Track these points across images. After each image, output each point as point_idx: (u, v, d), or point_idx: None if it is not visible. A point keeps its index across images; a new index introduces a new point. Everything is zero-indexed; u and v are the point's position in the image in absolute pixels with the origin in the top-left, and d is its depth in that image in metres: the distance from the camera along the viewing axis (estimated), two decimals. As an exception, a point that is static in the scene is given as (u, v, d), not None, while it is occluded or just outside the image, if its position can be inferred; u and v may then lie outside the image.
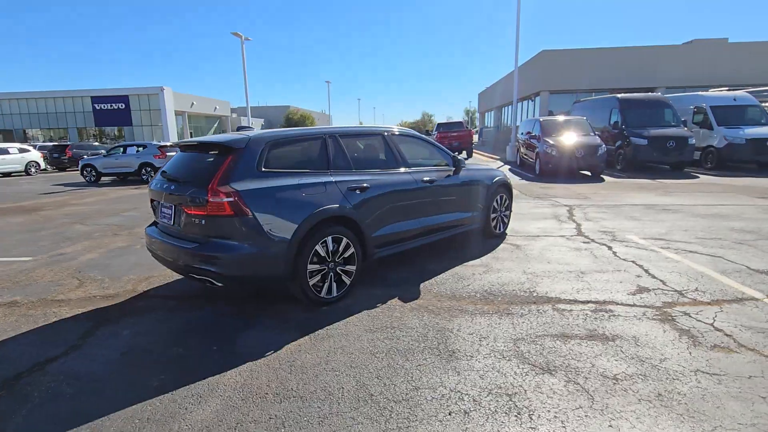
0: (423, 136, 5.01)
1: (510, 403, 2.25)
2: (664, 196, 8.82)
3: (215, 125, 49.39)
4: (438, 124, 24.02)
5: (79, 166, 16.11)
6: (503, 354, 2.75)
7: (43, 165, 21.28)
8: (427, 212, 4.50)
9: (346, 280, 3.72)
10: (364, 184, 3.85)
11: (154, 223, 3.89)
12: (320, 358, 2.78)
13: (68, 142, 26.69)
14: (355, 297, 3.78)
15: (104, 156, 16.21)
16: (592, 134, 12.96)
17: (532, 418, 2.12)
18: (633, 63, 23.61)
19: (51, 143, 27.11)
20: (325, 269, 3.54)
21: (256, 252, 3.17)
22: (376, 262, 4.22)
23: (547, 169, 12.62)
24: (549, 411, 2.17)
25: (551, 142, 12.50)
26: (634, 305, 3.44)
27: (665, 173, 12.87)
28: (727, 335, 2.91)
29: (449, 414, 2.17)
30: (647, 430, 2.01)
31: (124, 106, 38.17)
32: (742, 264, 4.37)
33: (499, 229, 5.76)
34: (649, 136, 12.74)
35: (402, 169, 4.31)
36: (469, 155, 22.22)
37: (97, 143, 26.97)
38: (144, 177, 15.28)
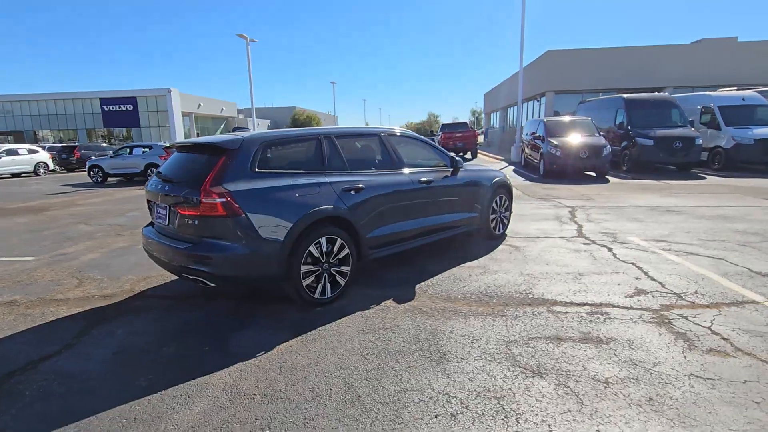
0: (420, 136, 4.99)
1: (498, 406, 2.22)
2: (669, 198, 8.72)
3: (222, 126, 49.74)
4: (442, 124, 23.97)
5: (87, 166, 16.30)
6: (494, 356, 2.72)
7: (51, 166, 21.55)
8: (425, 213, 4.48)
9: (341, 281, 3.72)
10: (360, 185, 3.84)
11: (151, 224, 3.92)
12: (310, 359, 2.77)
13: (77, 143, 27.02)
14: (350, 298, 3.77)
15: (111, 157, 16.39)
16: (597, 135, 12.84)
17: (518, 422, 2.09)
18: (640, 63, 23.38)
19: (60, 144, 27.48)
20: (319, 270, 3.54)
21: (249, 252, 3.17)
22: (373, 262, 4.21)
23: (551, 169, 12.53)
24: (536, 414, 2.14)
25: (555, 142, 12.40)
26: (630, 308, 3.40)
27: (671, 174, 12.72)
28: (724, 339, 2.86)
29: (435, 417, 2.15)
30: (636, 435, 1.98)
31: (132, 107, 38.60)
32: (744, 266, 4.29)
33: (499, 230, 5.72)
34: (655, 136, 12.59)
35: (398, 170, 4.30)
36: (474, 156, 22.15)
37: (105, 144, 27.26)
38: (150, 178, 15.43)
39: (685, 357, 2.64)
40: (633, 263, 4.50)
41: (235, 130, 4.61)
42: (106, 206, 10.03)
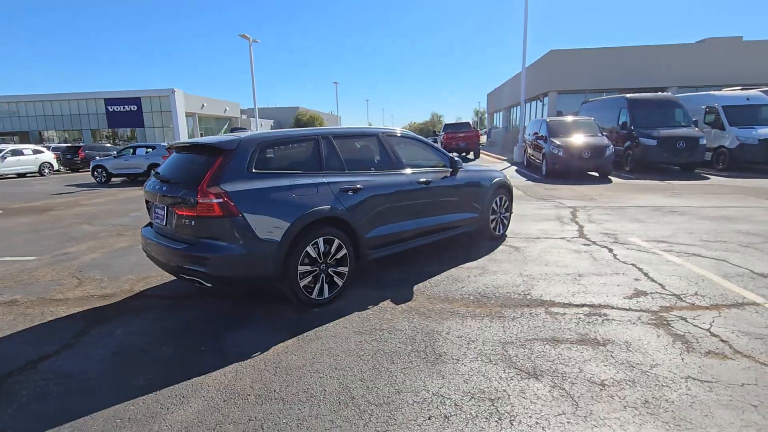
0: (419, 137, 4.99)
1: (492, 408, 2.21)
2: (672, 198, 8.66)
3: (225, 126, 49.88)
4: (445, 124, 23.94)
5: (90, 167, 16.40)
6: (490, 358, 2.71)
7: (56, 166, 21.70)
8: (423, 214, 4.48)
9: (339, 281, 3.72)
10: (358, 186, 3.84)
11: (150, 224, 3.94)
12: (306, 359, 2.77)
13: (81, 144, 27.19)
14: (347, 298, 3.77)
15: (114, 157, 16.48)
16: (600, 135, 12.78)
17: (512, 424, 2.08)
18: (644, 62, 23.23)
19: (64, 145, 27.67)
20: (316, 270, 3.54)
21: (246, 253, 3.18)
22: (372, 262, 4.22)
23: (553, 170, 12.48)
24: (531, 417, 2.13)
25: (558, 142, 12.35)
26: (629, 309, 3.38)
27: (675, 174, 12.64)
28: (723, 341, 2.83)
29: (429, 418, 2.15)
30: (630, 438, 1.97)
31: (136, 107, 38.77)
32: (745, 268, 4.26)
33: (499, 231, 5.70)
34: (658, 136, 12.52)
35: (397, 171, 4.30)
36: (477, 156, 22.11)
37: (109, 144, 27.43)
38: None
39: (682, 359, 2.62)
40: (633, 264, 4.48)
41: (233, 130, 4.62)
42: (110, 206, 10.08)
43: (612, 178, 12.16)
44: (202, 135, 43.56)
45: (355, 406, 2.27)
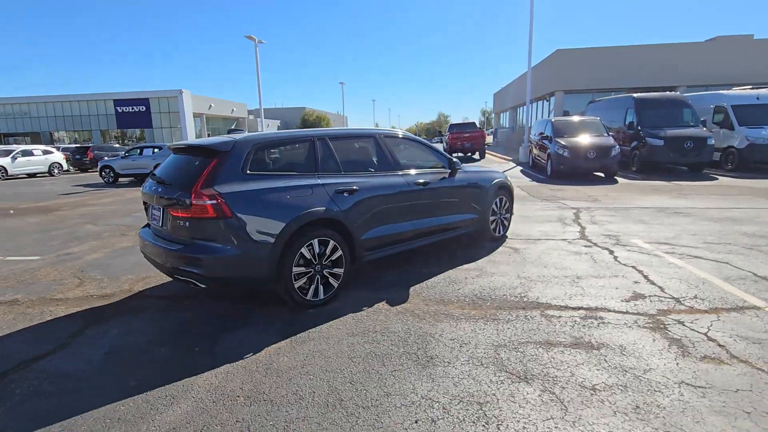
0: (418, 138, 4.98)
1: (480, 412, 2.20)
2: (678, 199, 8.55)
3: (232, 127, 50.19)
4: (450, 124, 23.85)
5: (98, 167, 16.61)
6: (482, 361, 2.69)
7: (65, 166, 22.01)
8: (421, 215, 4.46)
9: (334, 282, 3.71)
10: (354, 187, 3.83)
11: (148, 226, 3.97)
12: (297, 361, 2.78)
13: (91, 144, 27.55)
14: (343, 299, 3.77)
15: (122, 158, 16.67)
16: (606, 135, 12.66)
17: (499, 429, 2.07)
18: (653, 61, 22.96)
19: (74, 145, 28.04)
20: (311, 272, 3.54)
21: (240, 254, 3.19)
22: (370, 264, 4.22)
23: (558, 170, 12.39)
24: (518, 421, 2.11)
25: (563, 143, 12.26)
26: (626, 312, 3.33)
27: (682, 175, 12.48)
28: (720, 346, 2.78)
29: (415, 422, 2.14)
30: (618, 445, 1.94)
31: (144, 108, 39.16)
32: (748, 270, 4.18)
33: (499, 232, 5.66)
34: (665, 136, 12.37)
35: (394, 172, 4.29)
36: (482, 156, 22.00)
37: (117, 145, 27.74)
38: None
39: (677, 364, 2.58)
40: (634, 266, 4.42)
41: (230, 132, 4.65)
42: (115, 206, 10.20)
43: (618, 178, 12.03)
44: (209, 135, 43.89)
45: (342, 409, 2.27)
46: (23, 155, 20.23)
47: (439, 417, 2.17)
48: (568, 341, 2.90)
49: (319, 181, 3.66)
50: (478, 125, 23.61)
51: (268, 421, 2.19)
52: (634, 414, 2.14)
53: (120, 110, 39.64)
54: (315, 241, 3.52)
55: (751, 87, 15.26)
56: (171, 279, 4.39)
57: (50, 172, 20.99)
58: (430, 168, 4.74)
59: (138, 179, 16.62)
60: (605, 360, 2.65)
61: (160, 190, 3.47)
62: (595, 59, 23.60)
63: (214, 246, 3.17)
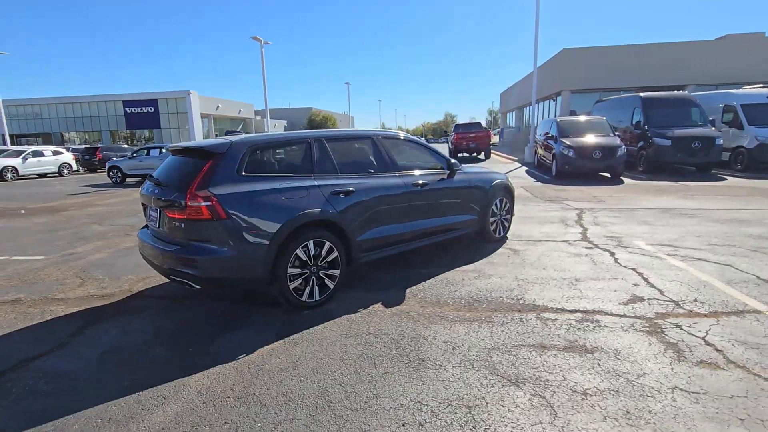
0: (417, 139, 4.97)
1: (468, 415, 2.19)
2: (684, 200, 8.43)
3: (240, 127, 50.54)
4: (456, 124, 23.77)
5: (106, 167, 16.82)
6: (473, 364, 2.68)
7: (75, 167, 22.29)
8: (418, 216, 4.45)
9: (330, 284, 3.72)
10: (350, 188, 3.84)
11: (146, 227, 4.01)
12: (289, 362, 2.79)
13: (100, 145, 27.90)
14: (339, 300, 3.77)
15: (129, 158, 16.86)
16: (612, 135, 12.53)
17: (486, 433, 2.05)
18: (661, 60, 22.67)
19: (83, 146, 28.42)
20: (306, 273, 3.55)
21: (235, 255, 3.21)
22: (368, 264, 4.22)
23: (563, 170, 12.29)
24: (506, 426, 2.10)
25: (568, 143, 12.16)
26: (623, 315, 3.30)
27: (690, 175, 12.31)
28: (717, 350, 2.74)
29: (402, 425, 2.13)
30: (606, 451, 1.92)
31: (153, 109, 39.59)
32: (752, 273, 4.11)
33: (499, 234, 5.63)
34: (673, 136, 12.21)
35: (391, 173, 4.28)
36: (487, 156, 21.91)
37: (126, 146, 28.06)
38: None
39: (672, 369, 2.54)
40: (634, 269, 4.37)
41: (227, 134, 4.68)
42: (122, 207, 10.31)
43: (624, 179, 11.91)
44: (216, 136, 44.22)
45: (331, 411, 2.27)
46: (34, 156, 20.53)
47: (427, 420, 2.16)
48: (562, 344, 2.88)
49: (315, 183, 3.67)
50: (484, 125, 23.50)
51: (256, 422, 2.20)
52: (625, 420, 2.11)
53: (129, 111, 40.13)
54: (310, 243, 3.52)
55: (762, 86, 15.00)
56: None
57: (60, 173, 21.28)
58: (428, 169, 4.73)
59: (145, 179, 16.81)
60: (599, 364, 2.62)
61: (156, 191, 3.50)
62: (602, 58, 23.36)
63: (209, 247, 3.19)
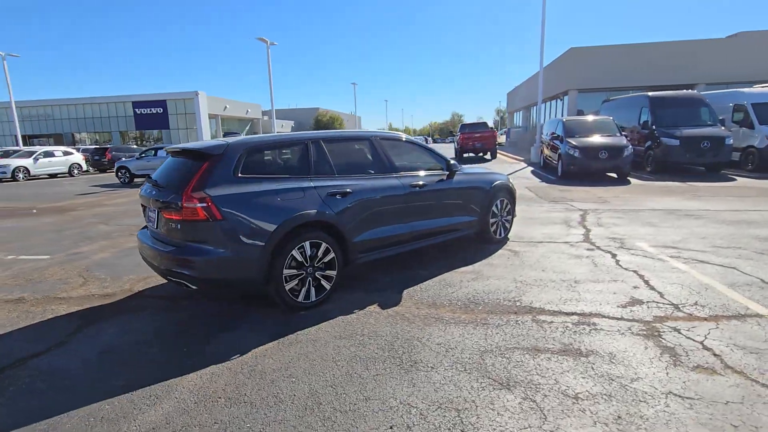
0: (416, 140, 4.96)
1: (457, 419, 2.17)
2: (691, 201, 8.31)
3: (247, 127, 50.87)
4: (461, 125, 23.68)
5: (115, 168, 17.04)
6: (465, 366, 2.66)
7: (85, 167, 22.62)
8: (417, 217, 4.44)
9: (326, 285, 3.73)
10: (347, 189, 3.84)
11: (146, 227, 4.05)
12: (282, 363, 2.79)
13: (109, 145, 28.27)
14: (336, 301, 3.78)
15: (137, 159, 17.08)
16: (618, 135, 12.39)
17: (474, 437, 2.04)
18: (670, 59, 22.34)
19: (93, 146, 28.81)
20: (302, 274, 3.56)
21: (230, 256, 3.23)
22: (367, 265, 4.22)
23: (569, 171, 12.19)
24: (494, 429, 2.08)
25: (574, 143, 12.05)
26: (621, 318, 3.26)
27: (699, 176, 12.12)
28: (715, 355, 2.69)
29: (390, 428, 2.13)
30: (594, 456, 1.89)
31: (162, 110, 39.95)
32: (756, 276, 4.04)
33: (500, 235, 5.59)
34: (681, 136, 12.04)
35: (389, 174, 4.28)
36: (493, 156, 21.81)
37: (135, 146, 28.39)
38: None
39: (667, 373, 2.51)
40: (635, 271, 4.31)
41: (226, 135, 4.71)
42: (128, 206, 10.43)
43: (631, 179, 11.77)
44: (224, 137, 44.44)
45: (320, 413, 2.27)
46: (45, 156, 20.86)
47: (415, 423, 2.15)
48: (557, 348, 2.85)
49: (311, 184, 3.68)
50: (490, 125, 23.39)
51: (246, 423, 2.21)
52: (615, 425, 2.08)
53: (138, 112, 40.54)
54: (306, 244, 3.53)
55: (773, 84, 14.73)
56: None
57: (70, 173, 21.59)
58: (427, 170, 4.71)
59: (152, 180, 16.99)
60: (592, 368, 2.59)
61: (154, 192, 3.54)
62: (609, 57, 23.10)
63: (205, 248, 3.21)
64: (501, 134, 41.43)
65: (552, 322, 3.24)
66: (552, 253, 5.07)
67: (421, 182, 4.45)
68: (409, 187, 4.35)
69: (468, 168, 5.48)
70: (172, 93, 39.77)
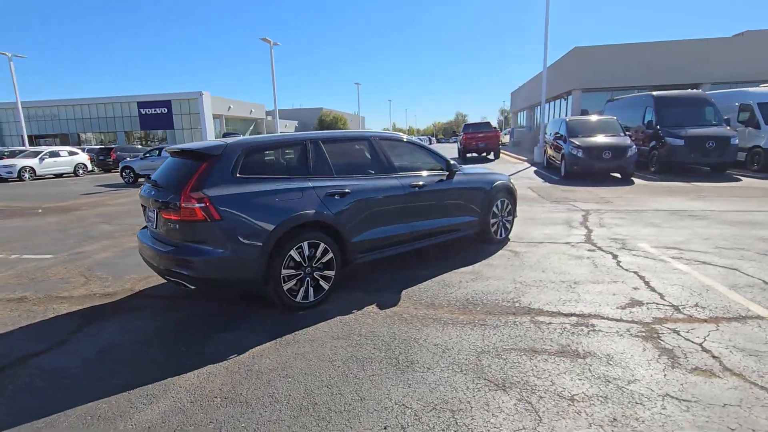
0: (415, 140, 4.96)
1: (451, 419, 2.17)
2: (695, 201, 8.25)
3: (251, 127, 51.05)
4: (465, 124, 23.66)
5: (119, 168, 17.16)
6: (462, 367, 2.66)
7: (90, 167, 22.79)
8: (416, 217, 4.44)
9: (325, 285, 3.73)
10: (345, 190, 3.84)
11: (146, 227, 4.07)
12: (279, 363, 2.80)
13: (114, 145, 28.45)
14: (334, 301, 3.78)
15: (141, 158, 17.18)
16: (622, 134, 12.33)
17: (468, 438, 2.04)
18: (675, 58, 22.18)
19: (98, 146, 29.03)
20: (301, 274, 3.57)
21: (229, 256, 3.24)
22: (366, 265, 4.22)
23: (572, 171, 12.13)
24: (489, 430, 2.08)
25: (577, 143, 11.99)
26: (620, 320, 3.24)
27: (704, 176, 12.03)
28: (714, 357, 2.67)
29: (384, 428, 2.13)
30: (588, 458, 1.88)
31: (166, 110, 40.20)
32: (758, 278, 4.00)
33: (501, 235, 5.58)
34: (686, 136, 11.95)
35: (388, 174, 4.28)
36: (496, 156, 21.76)
37: (139, 146, 28.56)
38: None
39: (664, 375, 2.49)
40: (636, 272, 4.29)
41: (225, 135, 4.73)
42: (131, 206, 10.49)
43: (635, 179, 11.71)
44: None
45: (315, 413, 2.28)
46: (50, 156, 21.03)
47: (410, 424, 2.15)
48: (554, 349, 2.84)
49: (310, 184, 3.68)
50: (494, 125, 23.34)
51: (240, 422, 2.22)
52: (610, 427, 2.07)
53: (143, 112, 40.82)
54: (305, 244, 3.54)
55: (780, 84, 14.59)
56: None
57: (75, 173, 21.76)
58: (427, 170, 4.71)
59: (156, 179, 17.07)
60: (589, 369, 2.58)
61: (153, 192, 3.56)
62: (613, 57, 22.96)
63: (203, 248, 3.22)
64: (504, 134, 41.30)
65: (550, 323, 3.23)
66: (553, 253, 5.05)
67: (420, 182, 4.45)
68: (409, 187, 4.34)
69: (468, 168, 5.47)
70: (177, 93, 40.00)
